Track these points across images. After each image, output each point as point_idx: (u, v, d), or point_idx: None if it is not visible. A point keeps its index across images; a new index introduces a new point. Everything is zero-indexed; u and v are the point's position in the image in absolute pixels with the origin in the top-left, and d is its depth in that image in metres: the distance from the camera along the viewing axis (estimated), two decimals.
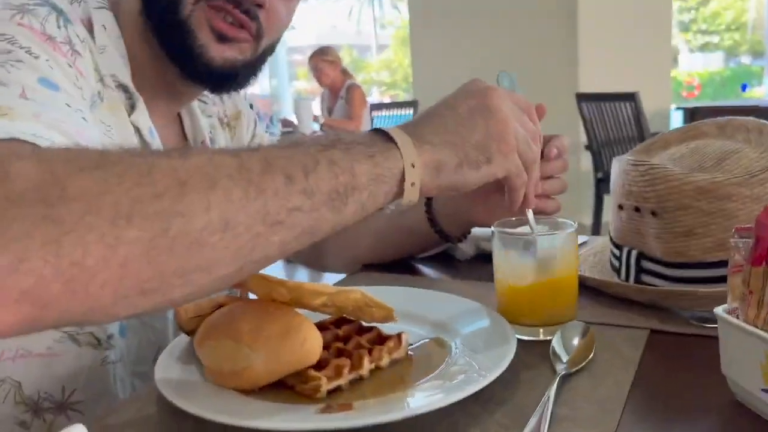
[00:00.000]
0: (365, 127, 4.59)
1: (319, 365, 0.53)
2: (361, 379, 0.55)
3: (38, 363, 0.68)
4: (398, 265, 0.91)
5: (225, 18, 0.72)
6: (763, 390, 0.46)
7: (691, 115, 4.69)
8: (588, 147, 3.86)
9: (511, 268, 0.64)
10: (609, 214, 0.79)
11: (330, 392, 0.52)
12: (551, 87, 4.22)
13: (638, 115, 3.50)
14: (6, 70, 0.56)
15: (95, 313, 0.38)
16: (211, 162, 0.42)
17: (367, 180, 0.49)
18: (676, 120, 5.29)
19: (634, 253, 0.72)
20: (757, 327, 0.46)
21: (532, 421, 0.48)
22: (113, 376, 0.73)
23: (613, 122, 3.63)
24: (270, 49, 0.80)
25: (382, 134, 0.54)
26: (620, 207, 0.74)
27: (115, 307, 0.39)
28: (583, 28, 4.34)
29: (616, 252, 0.76)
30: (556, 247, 0.63)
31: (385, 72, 20.98)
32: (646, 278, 0.71)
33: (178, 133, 0.85)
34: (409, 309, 0.66)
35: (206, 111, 0.90)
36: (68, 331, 0.69)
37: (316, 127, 4.77)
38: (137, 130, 0.74)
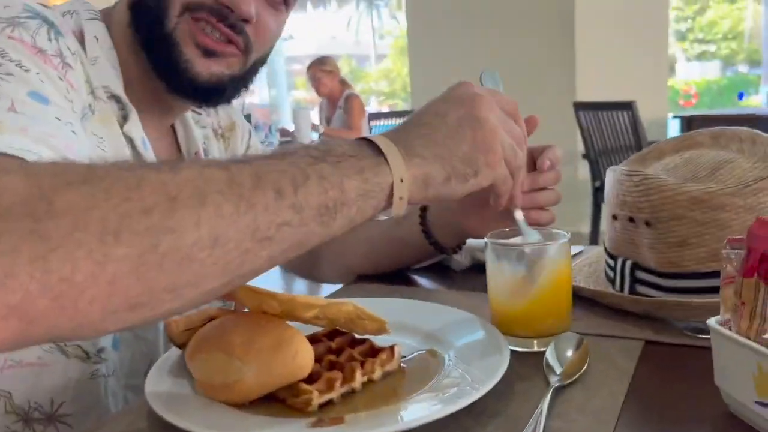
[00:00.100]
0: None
1: (311, 378, 0.53)
2: (353, 392, 0.55)
3: (28, 373, 0.68)
4: (393, 276, 0.91)
5: (212, 32, 0.72)
6: (756, 402, 0.46)
7: (688, 123, 4.70)
8: (585, 156, 3.86)
9: (504, 279, 0.64)
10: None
11: (322, 406, 0.52)
12: (549, 96, 4.24)
13: (635, 124, 3.50)
14: None
15: (83, 328, 0.38)
16: (201, 176, 0.42)
17: (356, 195, 0.49)
18: (674, 128, 5.30)
19: (628, 263, 0.72)
20: (749, 339, 0.46)
21: None
22: (105, 390, 0.72)
23: (611, 131, 3.64)
24: (261, 61, 0.80)
25: (371, 145, 0.54)
26: (614, 217, 0.73)
27: (103, 322, 0.38)
28: (581, 37, 4.36)
29: (611, 262, 0.75)
30: (548, 257, 0.63)
31: (383, 82, 21.05)
32: (640, 288, 0.71)
33: (171, 143, 0.85)
34: (403, 321, 0.65)
35: (200, 122, 0.90)
36: (57, 342, 0.68)
37: (315, 136, 4.78)
38: (130, 141, 0.74)
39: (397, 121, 5.27)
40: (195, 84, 0.73)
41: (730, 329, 0.49)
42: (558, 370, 0.57)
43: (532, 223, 0.75)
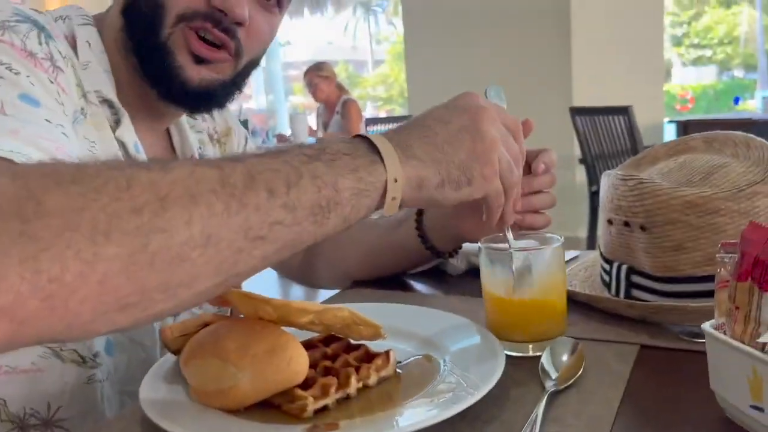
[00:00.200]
0: None
1: (306, 384, 0.53)
2: (348, 397, 0.54)
3: (23, 379, 0.67)
4: (389, 281, 0.91)
5: (205, 35, 0.72)
6: (751, 406, 0.46)
7: (684, 128, 4.72)
8: (582, 160, 3.87)
9: (499, 283, 0.64)
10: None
11: (317, 411, 0.52)
12: (545, 101, 4.25)
13: (632, 129, 3.51)
14: None
15: (74, 329, 0.38)
16: (193, 175, 0.42)
17: (350, 195, 0.49)
18: (670, 133, 5.32)
19: (624, 267, 0.72)
20: (744, 343, 0.46)
21: None
22: (101, 395, 0.72)
23: (607, 136, 3.65)
24: (254, 64, 0.80)
25: (368, 143, 0.53)
26: (610, 222, 0.74)
27: (94, 323, 0.38)
28: (577, 42, 4.37)
29: (606, 266, 0.75)
30: (542, 262, 0.63)
31: (381, 87, 21.09)
32: (636, 293, 0.71)
33: (166, 148, 0.85)
34: (398, 326, 0.65)
35: (196, 126, 0.90)
36: (52, 346, 0.68)
37: (312, 140, 4.78)
38: (122, 145, 0.73)
39: (394, 126, 5.27)
40: (186, 89, 0.73)
41: (724, 333, 0.49)
42: (553, 374, 0.57)
43: (528, 227, 0.75)
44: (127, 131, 0.74)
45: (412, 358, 0.61)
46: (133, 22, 0.73)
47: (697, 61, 19.16)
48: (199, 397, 0.53)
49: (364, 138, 0.54)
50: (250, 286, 0.56)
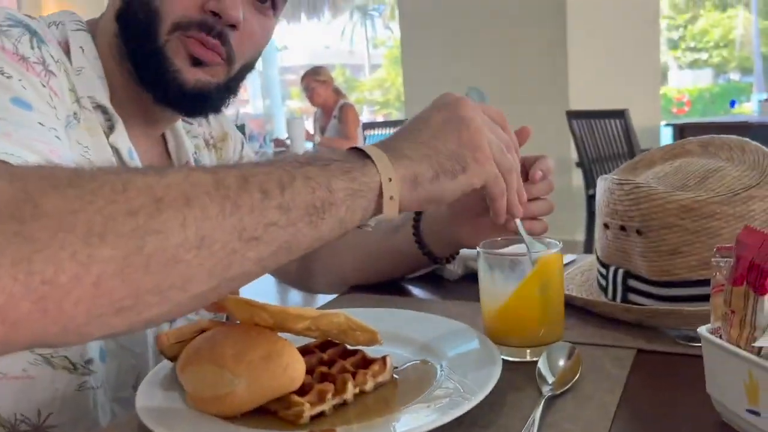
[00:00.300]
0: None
1: (303, 390, 0.53)
2: (345, 403, 0.54)
3: (14, 386, 0.67)
4: (387, 286, 0.91)
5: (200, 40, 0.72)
6: (747, 410, 0.46)
7: (681, 131, 4.74)
8: (579, 164, 3.88)
9: (496, 288, 0.64)
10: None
11: (313, 418, 0.52)
12: (542, 105, 4.26)
13: (628, 132, 3.52)
14: None
15: (68, 332, 0.38)
16: (188, 179, 0.42)
17: (344, 195, 0.50)
18: (666, 136, 5.33)
19: (620, 272, 0.72)
20: (740, 347, 0.46)
21: None
22: (93, 402, 0.72)
23: (604, 139, 3.66)
24: (248, 68, 0.79)
25: (357, 152, 0.54)
26: (606, 226, 0.74)
27: (88, 326, 0.38)
28: (573, 46, 4.39)
29: (603, 271, 0.76)
30: (540, 266, 0.63)
31: (378, 91, 21.12)
32: (632, 297, 0.71)
33: (161, 153, 0.85)
34: (395, 331, 0.65)
35: (191, 132, 0.90)
36: (43, 353, 0.68)
37: (310, 146, 4.78)
38: (116, 151, 0.73)
39: (391, 131, 5.28)
40: (182, 91, 0.72)
41: (720, 337, 0.49)
42: (550, 379, 0.57)
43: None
44: (121, 137, 0.74)
45: (409, 364, 0.61)
46: (128, 28, 0.73)
47: (693, 65, 19.22)
48: (195, 403, 0.53)
49: (354, 148, 0.55)
50: (247, 291, 0.56)
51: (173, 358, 0.58)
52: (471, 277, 0.90)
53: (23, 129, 0.57)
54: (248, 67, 0.80)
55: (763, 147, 0.71)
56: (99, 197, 0.38)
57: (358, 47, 22.97)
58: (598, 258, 0.77)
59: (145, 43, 0.71)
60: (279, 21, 0.83)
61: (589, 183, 3.77)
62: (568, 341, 0.62)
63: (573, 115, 3.79)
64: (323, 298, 0.93)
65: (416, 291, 0.90)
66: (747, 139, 0.72)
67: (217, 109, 0.80)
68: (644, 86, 4.96)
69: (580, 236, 3.94)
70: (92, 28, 0.77)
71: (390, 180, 0.53)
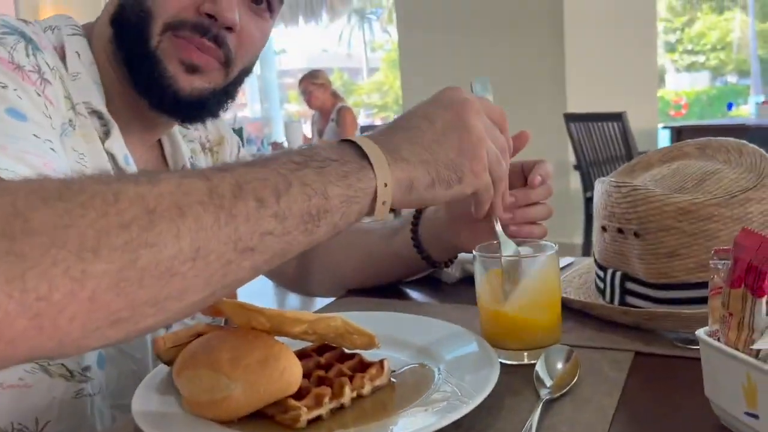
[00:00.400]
0: None
1: (300, 394, 0.52)
2: (342, 407, 0.54)
3: (10, 394, 0.67)
4: (384, 289, 0.91)
5: (195, 44, 0.72)
6: (746, 413, 0.46)
7: (678, 134, 4.74)
8: (577, 167, 3.88)
9: (493, 291, 0.64)
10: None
11: (310, 422, 0.52)
12: (540, 107, 4.26)
13: (626, 135, 3.52)
14: None
15: (65, 347, 0.37)
16: (180, 187, 0.41)
17: (339, 202, 0.49)
18: (664, 139, 5.34)
19: (618, 274, 0.72)
20: (738, 349, 0.46)
21: None
22: (91, 409, 0.71)
23: (601, 142, 3.66)
24: (246, 72, 0.79)
25: (355, 148, 0.53)
26: (603, 228, 0.74)
27: (85, 339, 0.38)
28: (571, 49, 4.39)
29: (601, 273, 0.75)
30: (537, 269, 0.63)
31: (376, 94, 21.14)
32: (630, 300, 0.71)
33: (158, 158, 0.84)
34: (393, 335, 0.65)
35: (188, 136, 0.89)
36: (40, 362, 0.67)
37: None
38: (112, 157, 0.73)
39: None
40: (177, 98, 0.72)
41: (718, 340, 0.49)
42: (548, 382, 0.57)
43: (525, 238, 0.75)
44: (117, 143, 0.73)
45: (406, 367, 0.61)
46: (122, 32, 0.73)
47: (690, 67, 19.27)
48: (192, 408, 0.53)
49: (351, 142, 0.54)
50: (245, 295, 0.55)
51: (170, 362, 0.58)
52: (469, 281, 0.90)
53: (18, 141, 0.57)
54: (246, 70, 0.79)
55: (761, 149, 0.71)
56: (90, 210, 0.37)
57: (355, 51, 23.01)
58: (595, 260, 0.77)
59: (138, 46, 0.71)
60: (276, 24, 0.83)
61: (587, 186, 3.78)
62: (566, 344, 0.62)
63: (570, 118, 3.79)
64: (321, 302, 0.92)
65: (414, 294, 0.90)
66: (744, 142, 0.72)
67: (214, 115, 0.79)
68: (641, 89, 4.97)
69: (578, 239, 3.94)
70: (88, 32, 0.76)
71: (386, 185, 0.53)
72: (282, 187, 0.46)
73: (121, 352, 0.75)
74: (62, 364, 0.69)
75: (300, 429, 0.51)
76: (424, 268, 0.90)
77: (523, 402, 0.55)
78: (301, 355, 0.58)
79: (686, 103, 15.81)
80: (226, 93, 0.77)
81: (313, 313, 0.56)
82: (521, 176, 0.79)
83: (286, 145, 4.78)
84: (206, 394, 0.52)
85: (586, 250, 3.66)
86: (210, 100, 0.75)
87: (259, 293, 0.48)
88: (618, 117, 3.52)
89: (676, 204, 0.66)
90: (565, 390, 0.56)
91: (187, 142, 0.88)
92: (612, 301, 0.73)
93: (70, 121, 0.70)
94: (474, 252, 0.65)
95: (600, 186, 0.74)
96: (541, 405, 0.53)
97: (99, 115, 0.73)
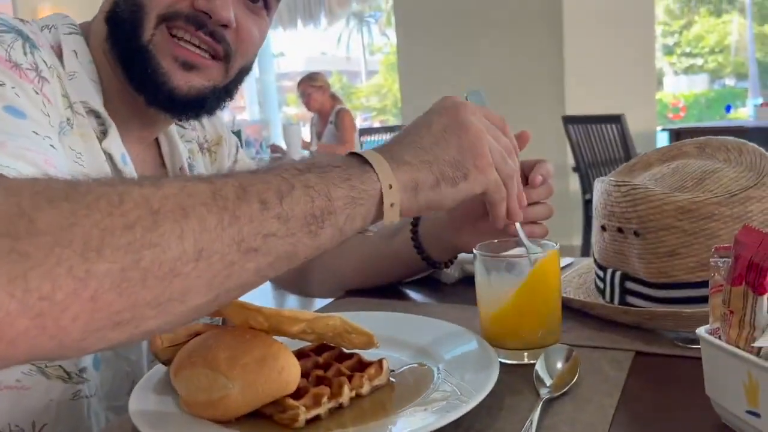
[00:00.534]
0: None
1: (298, 394, 0.52)
2: (341, 407, 0.54)
3: (8, 396, 0.66)
4: (383, 290, 0.90)
5: (190, 40, 0.72)
6: (747, 411, 0.45)
7: (677, 136, 4.74)
8: (576, 169, 3.88)
9: (494, 291, 0.63)
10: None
11: (309, 421, 0.51)
12: (538, 110, 4.27)
13: (624, 137, 3.52)
14: None
15: (66, 347, 0.37)
16: (184, 190, 0.41)
17: (343, 203, 0.49)
18: (662, 141, 5.34)
19: (618, 274, 0.72)
20: (739, 347, 0.46)
21: None
22: (87, 411, 0.71)
23: (600, 144, 3.66)
24: (245, 70, 0.79)
25: (357, 157, 0.54)
26: (603, 228, 0.73)
27: (86, 341, 0.37)
28: (569, 51, 4.40)
29: (600, 273, 0.75)
30: (538, 269, 0.62)
31: (374, 97, 21.16)
32: (630, 299, 0.71)
33: (155, 157, 0.84)
34: (392, 334, 0.65)
35: (185, 136, 0.89)
36: (37, 363, 0.67)
37: (306, 153, 4.78)
38: (109, 156, 0.73)
39: (388, 136, 5.29)
40: (173, 97, 0.72)
41: (719, 338, 0.48)
42: (548, 382, 0.56)
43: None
44: (114, 142, 0.73)
45: (405, 367, 0.61)
46: (116, 28, 0.72)
47: (688, 70, 19.31)
48: (189, 407, 0.53)
49: (353, 154, 0.54)
50: (244, 295, 0.55)
51: (167, 362, 0.57)
52: (468, 281, 0.90)
53: (18, 138, 0.57)
54: (245, 69, 0.79)
55: (760, 148, 0.71)
56: (95, 211, 0.37)
57: (354, 54, 23.04)
58: (595, 260, 0.77)
59: (132, 41, 0.71)
60: (275, 27, 0.82)
61: (586, 188, 3.78)
62: (566, 344, 0.62)
63: (569, 120, 3.79)
64: (320, 302, 0.92)
65: (413, 294, 0.90)
66: (744, 141, 0.72)
67: (211, 112, 0.79)
68: (640, 92, 4.97)
69: (577, 241, 3.94)
70: (85, 31, 0.76)
71: (390, 187, 0.52)
72: (285, 189, 0.46)
73: (116, 354, 0.74)
74: (59, 366, 0.68)
75: (298, 429, 0.51)
76: (424, 269, 0.89)
77: (523, 402, 0.55)
78: (300, 354, 0.58)
79: (684, 106, 15.85)
80: (227, 91, 0.77)
81: (311, 312, 0.55)
82: (522, 176, 0.78)
83: (284, 147, 4.78)
84: (204, 394, 0.51)
85: (585, 251, 3.66)
86: (209, 98, 0.75)
87: (258, 294, 0.48)
88: (617, 119, 3.52)
89: (676, 203, 0.65)
90: (565, 389, 0.56)
91: (184, 142, 0.88)
92: (612, 300, 0.73)
93: (68, 120, 0.69)
94: (475, 251, 0.65)
95: (599, 185, 0.74)
96: (541, 404, 0.53)
97: (96, 115, 0.73)
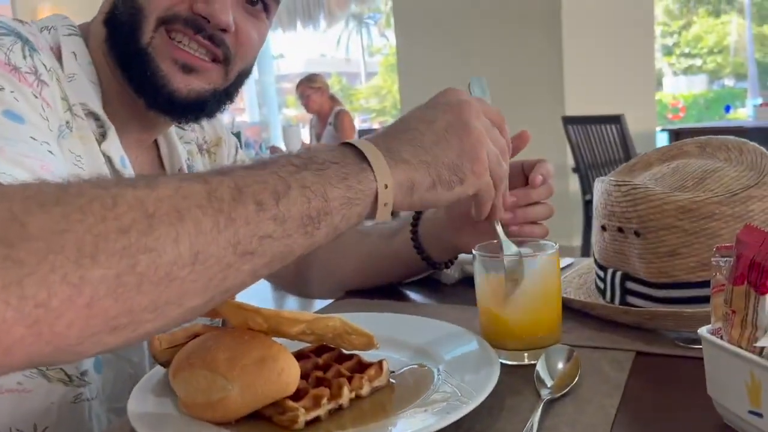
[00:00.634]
0: None
1: (298, 395, 0.52)
2: (340, 408, 0.53)
3: (9, 399, 0.66)
4: (383, 290, 0.90)
5: (189, 44, 0.71)
6: (749, 412, 0.45)
7: (676, 136, 4.75)
8: (575, 170, 3.88)
9: (493, 291, 0.63)
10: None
11: (309, 423, 0.51)
12: (538, 110, 4.26)
13: (624, 138, 3.52)
14: None
15: (63, 353, 0.37)
16: (179, 191, 0.41)
17: (339, 204, 0.49)
18: (662, 142, 5.34)
19: (618, 274, 0.72)
20: (741, 347, 0.45)
21: None
22: (89, 413, 0.70)
23: (600, 145, 3.66)
24: (246, 72, 0.79)
25: (355, 150, 0.53)
26: (603, 228, 0.73)
27: (83, 345, 0.37)
28: (569, 53, 4.40)
29: (601, 273, 0.75)
30: (537, 269, 0.62)
31: (374, 99, 21.17)
32: (631, 299, 0.70)
33: (154, 159, 0.84)
34: (392, 335, 0.65)
35: (185, 137, 0.89)
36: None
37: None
38: (108, 159, 0.72)
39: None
40: (173, 100, 0.72)
41: (721, 338, 0.48)
42: (549, 382, 0.56)
43: (526, 237, 0.74)
44: (113, 145, 0.73)
45: (405, 368, 0.61)
46: (115, 31, 0.72)
47: (687, 71, 19.32)
48: (188, 409, 0.52)
49: (351, 145, 0.53)
50: (243, 295, 0.55)
51: (166, 364, 0.57)
52: (468, 281, 0.89)
53: (15, 144, 0.56)
54: (245, 72, 0.79)
55: (761, 147, 0.71)
56: (88, 215, 0.37)
57: (353, 55, 23.05)
58: (595, 260, 0.77)
59: (131, 43, 0.70)
60: (274, 29, 0.82)
61: (586, 188, 3.78)
62: (567, 344, 0.62)
63: (569, 121, 3.79)
64: (320, 303, 0.92)
65: (413, 295, 0.90)
66: (744, 140, 0.72)
67: (211, 115, 0.79)
68: (640, 92, 4.97)
69: (577, 241, 3.94)
70: (84, 32, 0.76)
71: (386, 187, 0.52)
72: (281, 189, 0.45)
73: (117, 356, 0.74)
74: (61, 369, 0.68)
75: (298, 430, 0.50)
76: (424, 269, 0.89)
77: (523, 402, 0.54)
78: (299, 355, 0.58)
79: (684, 107, 15.86)
80: (227, 94, 0.77)
81: (310, 313, 0.55)
82: (522, 176, 0.78)
83: (284, 149, 4.78)
84: (203, 395, 0.51)
85: (585, 252, 3.65)
86: (209, 101, 0.75)
87: (257, 295, 0.48)
88: (616, 120, 3.52)
89: (676, 202, 0.65)
90: (565, 390, 0.55)
91: (183, 143, 0.88)
92: (612, 300, 0.72)
93: (67, 123, 0.69)
94: (474, 252, 0.64)
95: (600, 185, 0.74)
96: (541, 405, 0.52)
97: (95, 117, 0.72)
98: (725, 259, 0.49)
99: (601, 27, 4.58)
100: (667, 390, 0.57)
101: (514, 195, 0.75)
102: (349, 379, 0.55)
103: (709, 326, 0.50)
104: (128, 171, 0.74)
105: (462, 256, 0.89)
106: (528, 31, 4.46)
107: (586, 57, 4.47)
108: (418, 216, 0.86)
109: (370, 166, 0.52)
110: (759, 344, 0.44)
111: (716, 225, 0.64)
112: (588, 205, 3.70)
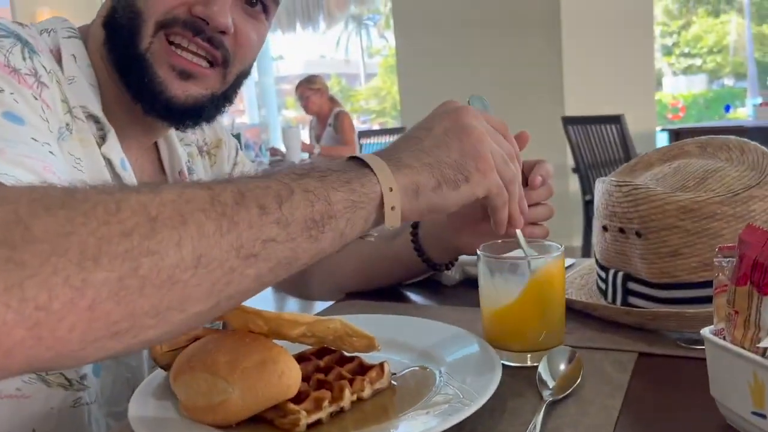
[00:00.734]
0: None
1: (299, 398, 0.52)
2: (342, 411, 0.53)
3: (8, 405, 0.65)
4: (384, 292, 0.90)
5: (188, 45, 0.71)
6: (752, 413, 0.45)
7: (676, 136, 4.74)
8: (575, 170, 3.88)
9: (497, 293, 0.63)
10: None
11: (310, 426, 0.51)
12: (538, 111, 4.26)
13: (624, 138, 3.52)
14: None
15: (64, 358, 0.36)
16: (182, 196, 0.41)
17: (343, 207, 0.49)
18: (662, 141, 5.34)
19: (620, 274, 0.71)
20: (744, 348, 0.45)
21: None
22: (88, 417, 0.70)
23: (600, 145, 3.66)
24: (243, 75, 0.79)
25: (357, 161, 0.53)
26: (605, 228, 0.73)
27: (84, 350, 0.37)
28: (568, 53, 4.40)
29: (602, 274, 0.75)
30: (542, 271, 0.62)
31: (373, 100, 21.18)
32: (632, 300, 0.70)
33: (154, 161, 0.84)
34: (393, 337, 0.64)
35: (185, 140, 0.88)
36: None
37: (305, 155, 4.78)
38: (108, 162, 0.72)
39: (387, 139, 5.28)
40: (170, 106, 0.71)
41: (724, 339, 0.48)
42: (551, 384, 0.56)
43: (528, 238, 0.74)
44: (113, 147, 0.73)
45: (407, 370, 0.60)
46: (114, 34, 0.72)
47: (687, 70, 19.33)
48: (189, 412, 0.52)
49: (353, 157, 0.54)
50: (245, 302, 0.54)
51: (166, 367, 0.57)
52: (469, 283, 0.89)
53: (16, 145, 0.56)
54: (244, 74, 0.79)
55: (762, 147, 0.70)
56: (92, 219, 0.37)
57: (353, 56, 23.06)
58: (597, 261, 0.77)
59: (129, 48, 0.70)
60: (274, 30, 0.82)
61: (586, 189, 3.77)
62: (569, 345, 0.61)
63: (569, 121, 3.79)
64: (320, 305, 0.92)
65: (414, 297, 0.89)
66: (746, 140, 0.72)
67: (210, 119, 0.79)
68: (639, 92, 4.97)
69: (578, 242, 3.93)
70: (84, 34, 0.75)
71: (391, 190, 0.52)
72: (284, 193, 0.45)
73: (116, 360, 0.74)
74: (61, 373, 0.68)
75: None
76: (425, 271, 0.89)
77: (525, 404, 0.54)
78: (300, 358, 0.58)
79: (684, 106, 15.86)
80: (226, 97, 0.77)
81: (311, 315, 0.55)
82: (522, 177, 0.78)
83: (284, 150, 4.78)
84: (204, 398, 0.51)
85: (586, 252, 3.65)
86: (207, 105, 0.75)
87: (258, 297, 0.47)
88: (616, 120, 3.51)
89: (678, 202, 0.65)
90: (568, 392, 0.55)
91: (183, 145, 0.87)
92: (614, 301, 0.72)
93: (67, 125, 0.69)
94: (479, 252, 0.64)
95: (601, 185, 0.74)
96: (544, 407, 0.52)
97: (95, 119, 0.72)
98: (727, 259, 0.49)
99: (600, 27, 4.59)
100: (670, 391, 0.56)
101: None
102: (351, 382, 0.55)
103: (712, 327, 0.50)
104: (128, 174, 0.74)
105: (463, 258, 0.89)
106: (527, 31, 4.46)
107: (586, 57, 4.47)
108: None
109: (372, 171, 0.52)
110: (762, 345, 0.44)
111: (718, 225, 0.64)
112: (588, 205, 3.70)
